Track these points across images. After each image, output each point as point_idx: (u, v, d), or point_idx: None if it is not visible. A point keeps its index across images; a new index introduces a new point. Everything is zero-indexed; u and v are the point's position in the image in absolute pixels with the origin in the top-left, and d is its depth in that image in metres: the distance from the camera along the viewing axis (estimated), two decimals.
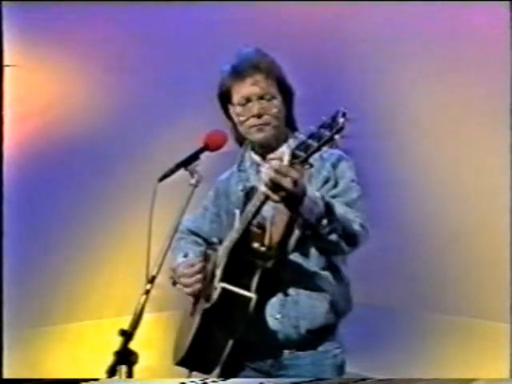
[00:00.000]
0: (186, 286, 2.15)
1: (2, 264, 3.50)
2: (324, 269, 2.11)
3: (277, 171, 1.78)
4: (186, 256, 2.23)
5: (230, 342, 2.05)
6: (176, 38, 4.35)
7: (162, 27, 4.32)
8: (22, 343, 4.00)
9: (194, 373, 2.17)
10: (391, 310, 4.29)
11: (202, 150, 2.01)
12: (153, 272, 1.81)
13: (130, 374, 1.69)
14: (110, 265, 4.44)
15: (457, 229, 4.06)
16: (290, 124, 2.19)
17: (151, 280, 1.79)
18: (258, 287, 2.02)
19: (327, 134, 1.71)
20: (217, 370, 2.12)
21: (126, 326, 1.72)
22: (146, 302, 1.77)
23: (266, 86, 2.10)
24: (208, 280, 2.12)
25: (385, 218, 3.79)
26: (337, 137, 1.70)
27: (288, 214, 2.00)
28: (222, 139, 2.06)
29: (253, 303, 2.00)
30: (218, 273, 2.07)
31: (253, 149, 2.22)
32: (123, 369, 1.69)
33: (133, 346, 1.71)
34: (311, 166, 1.79)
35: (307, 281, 2.10)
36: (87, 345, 4.26)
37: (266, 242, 2.03)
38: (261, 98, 2.10)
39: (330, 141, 1.71)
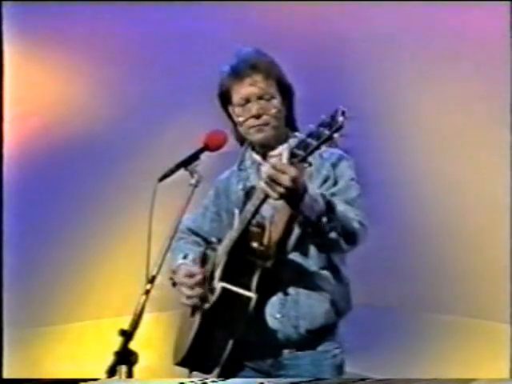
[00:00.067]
0: (186, 296, 2.14)
1: (2, 264, 3.50)
2: (323, 268, 2.12)
3: (274, 168, 1.79)
4: (185, 257, 2.23)
5: (230, 342, 2.05)
6: (176, 38, 4.36)
7: (163, 27, 4.32)
8: (22, 343, 4.00)
9: (195, 373, 2.17)
10: (391, 310, 4.29)
11: (202, 150, 2.01)
12: (153, 272, 1.81)
13: (130, 374, 1.69)
14: (110, 265, 4.44)
15: (457, 229, 4.06)
16: (290, 124, 2.19)
17: (151, 280, 1.79)
18: (257, 287, 2.02)
19: (326, 132, 1.71)
20: (217, 370, 2.12)
21: (125, 326, 1.72)
22: (145, 301, 1.77)
23: (264, 87, 2.10)
24: (208, 280, 2.12)
25: (384, 218, 3.79)
26: (336, 135, 1.70)
27: (287, 213, 2.00)
28: (222, 139, 2.06)
29: (253, 303, 2.00)
30: (218, 272, 2.07)
31: (253, 148, 2.22)
32: (123, 369, 1.69)
33: (133, 346, 1.71)
34: (310, 164, 1.79)
35: (307, 280, 2.10)
36: (87, 345, 4.26)
37: (266, 241, 2.03)
38: (260, 98, 2.10)
39: (329, 139, 1.71)
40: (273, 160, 1.83)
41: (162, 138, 4.28)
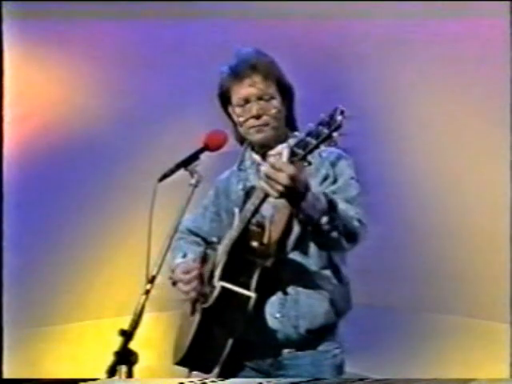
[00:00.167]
0: (183, 292, 2.15)
1: (2, 264, 3.50)
2: (324, 268, 2.12)
3: (273, 166, 1.79)
4: (184, 256, 2.23)
5: (230, 342, 2.05)
6: (176, 38, 4.36)
7: (163, 27, 4.32)
8: (22, 343, 4.00)
9: (194, 372, 2.16)
10: (391, 310, 4.29)
11: (202, 150, 2.01)
12: (153, 272, 1.81)
13: (130, 374, 1.69)
14: (110, 265, 4.45)
15: (457, 229, 4.06)
16: (290, 124, 2.19)
17: (151, 280, 1.79)
18: (257, 286, 2.02)
19: (325, 131, 1.71)
20: (216, 370, 2.12)
21: (125, 326, 1.72)
22: (145, 301, 1.77)
23: (264, 87, 2.10)
24: (207, 279, 2.12)
25: (385, 218, 3.79)
26: (335, 134, 1.70)
27: (287, 212, 2.00)
28: (222, 139, 2.06)
29: (252, 302, 2.00)
30: (218, 272, 2.07)
31: (253, 148, 2.22)
32: (123, 369, 1.69)
33: (133, 346, 1.71)
34: (310, 163, 1.80)
35: (307, 280, 2.10)
36: (87, 345, 4.26)
37: (266, 240, 2.03)
38: (259, 98, 2.10)
39: (328, 138, 1.71)
40: (271, 158, 1.83)
41: (162, 138, 4.28)
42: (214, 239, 2.24)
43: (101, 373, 1.70)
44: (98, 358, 1.94)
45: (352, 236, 1.96)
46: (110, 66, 4.32)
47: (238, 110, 2.13)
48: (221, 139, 2.05)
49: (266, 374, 2.13)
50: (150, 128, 4.35)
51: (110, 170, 4.30)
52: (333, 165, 2.09)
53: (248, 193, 2.10)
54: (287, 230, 2.05)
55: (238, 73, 2.11)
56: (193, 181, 1.95)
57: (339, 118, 1.69)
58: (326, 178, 2.09)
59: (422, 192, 4.21)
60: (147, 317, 1.77)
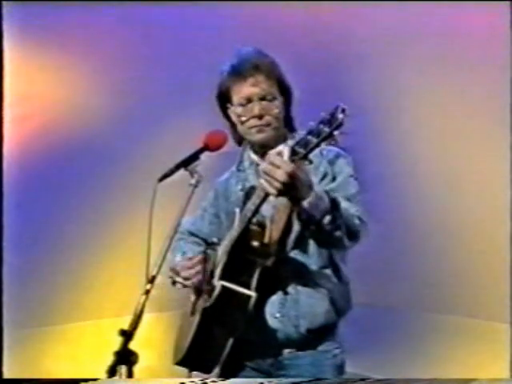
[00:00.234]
0: (186, 278, 2.14)
1: (2, 264, 3.50)
2: (324, 267, 2.11)
3: (271, 164, 1.79)
4: (184, 255, 2.23)
5: (230, 341, 2.05)
6: (176, 38, 4.36)
7: (163, 27, 4.33)
8: (22, 343, 4.00)
9: (194, 373, 2.16)
10: (391, 310, 4.29)
11: (202, 150, 2.01)
12: (153, 272, 1.80)
13: (130, 374, 1.69)
14: (110, 265, 4.45)
15: (457, 229, 4.06)
16: (288, 124, 2.18)
17: (151, 280, 1.79)
18: (257, 285, 2.02)
19: (326, 130, 1.71)
20: (216, 370, 2.12)
21: (125, 326, 1.72)
22: (145, 301, 1.77)
23: (267, 87, 2.09)
24: (208, 279, 2.12)
25: (385, 218, 3.79)
26: (336, 133, 1.70)
27: (287, 211, 2.00)
28: (222, 139, 2.05)
29: (252, 301, 2.00)
30: (218, 271, 2.07)
31: (252, 149, 2.21)
32: (123, 369, 1.69)
33: (133, 346, 1.70)
34: (311, 162, 1.79)
35: (307, 279, 2.10)
36: (87, 345, 4.26)
37: (266, 240, 2.03)
38: (262, 98, 2.09)
39: (329, 137, 1.71)
40: (270, 156, 1.82)
41: (162, 138, 4.28)
42: (215, 239, 2.24)
43: (101, 373, 1.70)
44: (98, 358, 1.94)
45: (353, 234, 1.96)
46: (110, 66, 4.32)
47: (239, 109, 2.12)
48: (221, 139, 2.05)
49: (267, 374, 2.13)
50: (150, 128, 4.35)
51: (110, 170, 4.30)
52: (331, 163, 2.09)
53: (247, 193, 2.09)
54: (287, 229, 2.04)
55: (240, 72, 2.10)
56: (193, 181, 1.95)
57: (340, 116, 1.69)
58: (324, 176, 2.08)
59: (421, 192, 4.21)
60: (147, 317, 1.77)
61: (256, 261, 2.03)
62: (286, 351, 2.12)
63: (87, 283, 4.40)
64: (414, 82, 4.08)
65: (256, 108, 2.08)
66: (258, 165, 2.17)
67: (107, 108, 4.34)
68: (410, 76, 4.08)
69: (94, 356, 3.74)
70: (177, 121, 4.34)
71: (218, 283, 2.03)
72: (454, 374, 3.37)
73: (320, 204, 1.85)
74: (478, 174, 3.92)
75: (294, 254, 2.09)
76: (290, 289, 2.09)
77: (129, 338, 1.70)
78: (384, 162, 4.22)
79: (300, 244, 2.08)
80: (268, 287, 2.06)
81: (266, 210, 2.02)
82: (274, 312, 2.09)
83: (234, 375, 2.15)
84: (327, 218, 1.86)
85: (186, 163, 1.98)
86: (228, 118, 2.19)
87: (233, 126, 2.18)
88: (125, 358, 1.68)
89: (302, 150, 1.76)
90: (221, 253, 2.12)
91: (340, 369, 2.17)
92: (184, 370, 2.17)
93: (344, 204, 1.94)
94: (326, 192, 1.91)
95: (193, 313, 2.15)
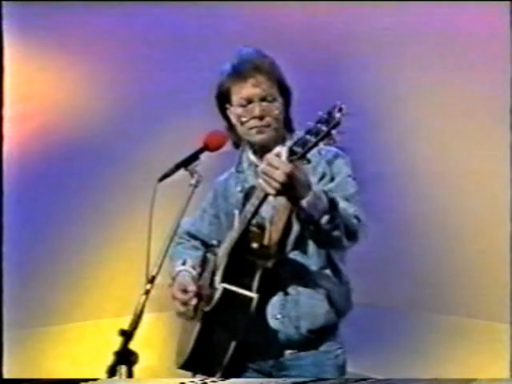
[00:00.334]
0: (179, 312, 2.15)
1: (1, 264, 3.50)
2: (323, 268, 2.11)
3: (269, 164, 1.79)
4: (184, 263, 2.23)
5: (233, 344, 2.05)
6: (176, 38, 4.36)
7: (163, 27, 4.33)
8: (22, 343, 4.00)
9: (197, 375, 2.16)
10: (391, 310, 4.29)
11: (201, 150, 2.01)
12: (153, 272, 1.80)
13: (130, 374, 1.69)
14: (110, 265, 4.45)
15: (457, 229, 4.06)
16: (287, 125, 2.18)
17: (151, 280, 1.79)
18: (258, 287, 2.02)
19: (324, 129, 1.71)
20: (219, 373, 2.11)
21: (125, 326, 1.72)
22: (145, 301, 1.77)
23: (267, 88, 2.09)
24: (208, 283, 2.12)
25: (384, 219, 3.79)
26: (334, 132, 1.70)
27: (287, 212, 2.00)
28: (222, 139, 2.05)
29: (254, 303, 2.00)
30: (219, 274, 2.06)
31: (251, 149, 2.21)
32: (123, 369, 1.69)
33: (133, 346, 1.70)
34: (309, 161, 1.79)
35: (307, 280, 2.09)
36: (87, 345, 4.26)
37: (266, 241, 2.03)
38: (262, 99, 2.09)
39: (326, 136, 1.71)
40: (268, 156, 1.82)
41: (162, 138, 4.28)
42: (214, 242, 2.24)
43: (101, 373, 1.70)
44: (98, 358, 1.93)
45: (352, 234, 1.95)
46: (109, 66, 4.32)
47: (239, 110, 2.12)
48: (221, 139, 2.05)
49: (268, 375, 2.13)
50: (150, 128, 4.35)
51: (110, 170, 4.30)
52: (330, 163, 2.09)
53: (247, 194, 2.09)
54: (287, 230, 2.04)
55: (240, 72, 2.09)
56: (193, 181, 1.95)
57: (338, 115, 1.69)
58: (323, 177, 2.08)
59: (421, 192, 4.21)
60: (147, 317, 1.77)
61: (256, 262, 2.02)
62: (288, 352, 2.11)
63: (87, 283, 4.40)
64: (414, 81, 4.08)
65: (257, 109, 2.08)
66: (256, 166, 2.15)
67: (107, 108, 4.34)
68: (409, 76, 4.08)
69: (94, 356, 3.74)
70: (177, 121, 4.34)
71: (220, 286, 2.03)
72: (454, 374, 3.37)
73: (319, 204, 1.85)
74: (478, 173, 3.92)
75: (294, 255, 2.09)
76: (291, 290, 2.09)
77: (129, 338, 1.70)
78: (384, 162, 4.22)
79: (299, 245, 2.08)
80: (268, 288, 2.06)
81: (265, 211, 2.02)
82: (274, 313, 2.09)
83: (236, 377, 2.14)
84: (326, 218, 1.86)
85: (186, 163, 1.98)
86: (227, 118, 2.19)
87: (231, 126, 2.18)
88: (125, 357, 1.68)
89: (300, 150, 1.76)
90: (221, 255, 2.12)
91: (341, 369, 2.17)
92: (185, 372, 2.18)
93: (342, 204, 1.94)
94: (325, 192, 1.91)
95: (194, 316, 2.14)
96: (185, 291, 2.12)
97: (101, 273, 4.44)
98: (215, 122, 2.18)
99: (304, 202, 1.84)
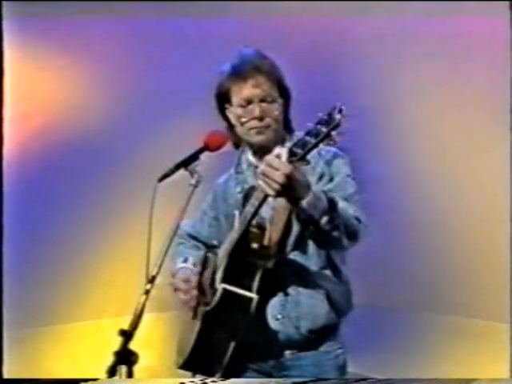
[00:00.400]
0: (182, 301, 2.16)
1: (2, 264, 3.50)
2: (324, 268, 2.11)
3: (269, 165, 1.79)
4: (185, 261, 2.23)
5: (232, 344, 2.05)
6: (176, 38, 4.36)
7: (163, 27, 4.32)
8: (22, 343, 4.00)
9: (197, 375, 2.16)
10: (391, 310, 4.29)
11: (201, 150, 2.01)
12: (153, 272, 1.80)
13: (130, 374, 1.69)
14: (110, 265, 4.45)
15: (457, 229, 4.06)
16: (286, 126, 2.18)
17: (151, 280, 1.79)
18: (259, 287, 2.02)
19: (324, 130, 1.71)
20: (219, 373, 2.11)
21: (125, 326, 1.72)
22: (145, 302, 1.77)
23: (267, 89, 2.08)
24: (209, 283, 2.12)
25: (385, 219, 3.79)
26: (334, 133, 1.70)
27: (286, 213, 2.00)
28: (222, 139, 2.05)
29: (254, 303, 2.00)
30: (219, 274, 2.06)
31: (250, 150, 2.21)
32: (123, 369, 1.69)
33: (133, 346, 1.70)
34: (308, 162, 1.80)
35: (307, 280, 2.09)
36: (87, 345, 4.26)
37: (266, 242, 2.03)
38: (262, 100, 2.08)
39: (326, 137, 1.71)
40: (268, 157, 1.82)
41: (162, 138, 4.28)
42: (215, 242, 2.24)
43: (101, 373, 1.70)
44: (98, 358, 1.93)
45: (352, 234, 1.95)
46: (110, 65, 4.32)
47: (239, 110, 2.11)
48: (221, 139, 2.05)
49: (269, 375, 2.13)
50: (150, 128, 4.35)
51: (110, 170, 4.30)
52: (328, 163, 2.09)
53: (246, 195, 2.09)
54: (287, 230, 2.04)
55: (240, 73, 2.09)
56: (193, 181, 1.95)
57: (338, 116, 1.69)
58: (321, 177, 2.08)
59: (422, 192, 4.21)
60: (147, 317, 1.77)
61: (257, 263, 2.02)
62: (288, 352, 2.11)
63: (87, 283, 4.40)
64: (414, 81, 4.08)
65: (256, 110, 2.08)
66: (256, 167, 2.15)
67: (107, 108, 4.35)
68: (409, 76, 4.08)
69: (94, 356, 3.74)
70: (177, 121, 4.34)
71: (220, 286, 2.03)
72: (454, 374, 3.37)
73: (318, 204, 1.85)
74: (478, 174, 3.92)
75: (294, 256, 2.09)
76: (291, 290, 2.09)
77: (129, 338, 1.70)
78: (384, 162, 4.22)
79: (299, 245, 2.08)
80: (268, 289, 2.06)
81: (265, 211, 2.02)
82: (275, 313, 2.09)
83: (236, 377, 2.14)
84: (325, 218, 1.86)
85: (186, 163, 1.98)
86: (226, 118, 2.19)
87: (230, 126, 2.18)
88: (125, 357, 1.68)
89: (299, 151, 1.76)
90: (221, 255, 2.12)
91: (342, 369, 2.16)
92: (185, 372, 2.18)
93: (342, 204, 1.94)
94: (324, 192, 1.91)
95: (194, 317, 2.15)
96: (187, 281, 2.13)
97: (101, 273, 4.44)
98: (215, 122, 2.18)
99: (304, 203, 1.84)
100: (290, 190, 1.81)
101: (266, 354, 2.11)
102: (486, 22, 3.65)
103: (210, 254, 2.21)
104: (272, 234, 2.03)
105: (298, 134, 1.80)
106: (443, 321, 4.15)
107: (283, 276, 2.08)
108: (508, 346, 3.41)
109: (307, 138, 1.74)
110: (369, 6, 3.92)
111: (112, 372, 1.68)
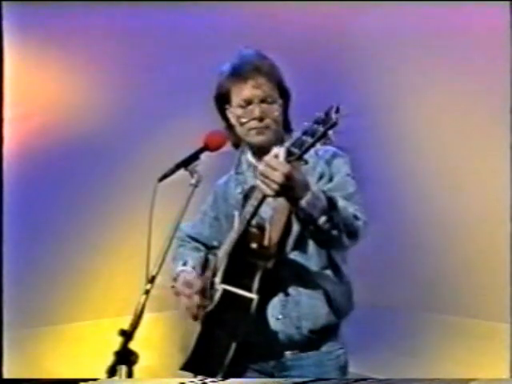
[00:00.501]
0: (185, 307, 2.15)
1: (2, 264, 3.50)
2: (324, 268, 2.11)
3: (268, 165, 1.79)
4: (185, 264, 2.23)
5: (234, 345, 2.04)
6: (176, 38, 4.36)
7: (162, 27, 4.33)
8: (22, 343, 4.00)
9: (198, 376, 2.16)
10: (391, 310, 4.29)
11: (201, 150, 2.01)
12: (153, 272, 1.80)
13: (130, 374, 1.69)
14: (110, 265, 4.44)
15: (457, 229, 4.06)
16: (286, 126, 2.18)
17: (151, 280, 1.79)
18: (259, 288, 2.01)
19: (321, 129, 1.71)
20: (220, 374, 2.11)
21: (126, 326, 1.72)
22: (146, 302, 1.77)
23: (267, 89, 2.09)
24: (209, 284, 2.12)
25: (385, 219, 3.79)
26: (330, 132, 1.70)
27: (286, 213, 2.00)
28: (222, 139, 2.05)
29: (254, 304, 2.00)
30: (219, 275, 2.06)
31: (250, 150, 2.21)
32: (123, 369, 1.69)
33: (133, 346, 1.70)
34: (306, 162, 1.80)
35: (308, 280, 2.09)
36: (87, 345, 4.26)
37: (266, 242, 2.02)
38: (262, 101, 2.09)
39: (323, 136, 1.71)
40: (266, 157, 1.82)
41: (162, 138, 4.28)
42: (215, 243, 2.24)
43: (101, 373, 1.70)
44: (98, 358, 1.93)
45: (352, 233, 1.95)
46: (109, 65, 4.32)
47: (238, 111, 2.11)
48: (221, 139, 2.05)
49: (270, 376, 2.13)
50: (150, 128, 4.35)
51: (110, 170, 4.30)
52: (328, 163, 2.09)
53: (246, 196, 2.09)
54: (287, 230, 2.04)
55: (241, 73, 2.09)
56: (193, 181, 1.95)
57: (334, 115, 1.69)
58: (321, 177, 2.08)
59: (422, 192, 4.21)
60: (147, 317, 1.76)
61: (257, 263, 2.02)
62: (289, 352, 2.11)
63: (87, 283, 4.40)
64: (414, 82, 4.08)
65: (256, 110, 2.08)
66: (256, 167, 2.15)
67: (107, 108, 4.35)
68: (409, 76, 4.08)
69: (94, 356, 3.74)
70: (177, 121, 4.34)
71: (220, 287, 2.03)
72: (454, 374, 3.37)
73: (317, 203, 1.85)
74: (478, 173, 3.92)
75: (294, 256, 2.09)
76: (291, 290, 2.09)
77: (129, 338, 1.70)
78: (384, 162, 4.22)
79: (300, 245, 2.08)
80: (269, 289, 2.06)
81: (264, 211, 2.02)
82: (275, 314, 2.09)
83: (237, 377, 2.14)
84: (325, 217, 1.86)
85: (186, 163, 1.98)
86: (226, 118, 2.19)
87: (230, 127, 2.18)
88: (125, 357, 1.68)
89: (297, 151, 1.76)
90: (221, 256, 2.12)
91: (343, 369, 2.16)
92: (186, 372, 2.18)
93: (342, 203, 1.94)
94: (323, 191, 1.91)
95: (198, 314, 2.14)
96: (190, 286, 2.13)
97: (101, 273, 4.44)
98: (215, 122, 2.18)
99: (303, 202, 1.84)
100: (289, 189, 1.81)
101: (267, 354, 2.11)
102: (487, 21, 3.65)
103: (210, 256, 2.22)
104: (272, 234, 2.03)
105: (296, 133, 1.80)
106: (443, 321, 4.15)
107: (283, 276, 2.08)
108: (508, 346, 3.41)
109: (304, 138, 1.75)
110: (369, 6, 3.92)
111: (112, 372, 1.68)
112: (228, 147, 2.12)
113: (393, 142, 4.28)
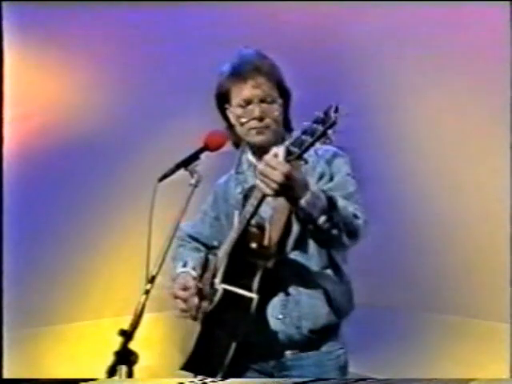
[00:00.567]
0: (181, 310, 2.15)
1: (2, 264, 3.50)
2: (325, 267, 2.11)
3: (267, 165, 1.79)
4: (185, 265, 2.23)
5: (234, 345, 2.04)
6: (176, 38, 4.36)
7: (162, 27, 4.33)
8: (22, 343, 4.00)
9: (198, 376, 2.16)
10: (391, 310, 4.29)
11: (201, 150, 2.01)
12: (153, 272, 1.80)
13: (130, 374, 1.69)
14: (110, 265, 4.44)
15: (456, 229, 4.06)
16: (286, 126, 2.18)
17: (151, 280, 1.79)
18: (259, 287, 2.01)
19: (320, 128, 1.71)
20: (220, 374, 2.11)
21: (126, 326, 1.72)
22: (145, 301, 1.77)
23: (267, 89, 2.09)
24: (209, 284, 2.12)
25: (385, 219, 3.79)
26: (329, 132, 1.70)
27: (286, 212, 2.00)
28: (222, 139, 2.05)
29: (254, 304, 2.00)
30: (219, 275, 2.06)
31: (250, 150, 2.21)
32: (123, 369, 1.69)
33: (133, 346, 1.70)
34: (306, 161, 1.80)
35: (308, 280, 2.09)
36: (87, 345, 4.26)
37: (266, 241, 2.03)
38: (262, 100, 2.09)
39: (322, 136, 1.71)
40: (266, 157, 1.82)
41: (162, 138, 4.28)
42: (215, 243, 2.24)
43: (101, 373, 1.70)
44: (98, 358, 1.93)
45: (352, 232, 1.96)
46: (110, 65, 4.32)
47: (238, 110, 2.12)
48: (221, 139, 2.05)
49: (270, 376, 2.13)
50: (150, 128, 4.35)
51: (110, 170, 4.30)
52: (328, 163, 2.09)
53: (246, 195, 2.09)
54: (287, 230, 2.04)
55: (240, 73, 2.10)
56: (193, 181, 1.95)
57: (334, 115, 1.70)
58: (321, 176, 2.08)
59: (422, 192, 4.21)
60: (147, 317, 1.77)
61: (256, 263, 2.03)
62: (289, 352, 2.11)
63: (87, 283, 4.40)
64: (414, 81, 4.08)
65: (256, 110, 2.08)
66: (256, 167, 2.16)
67: (107, 108, 4.34)
68: (409, 76, 4.08)
69: (94, 356, 3.74)
70: (176, 121, 4.34)
71: (220, 286, 2.03)
72: (454, 374, 3.37)
73: (317, 203, 1.86)
74: (478, 173, 3.92)
75: (294, 255, 2.09)
76: (292, 290, 2.09)
77: (129, 338, 1.70)
78: (384, 162, 4.22)
79: (300, 245, 2.08)
80: (269, 289, 2.06)
81: (264, 211, 2.03)
82: (275, 313, 2.09)
83: (237, 377, 2.14)
84: (325, 217, 1.86)
85: (186, 163, 1.98)
86: (226, 118, 2.19)
87: (230, 126, 2.18)
88: (125, 357, 1.68)
89: (296, 150, 1.77)
90: (221, 256, 2.12)
91: (343, 369, 2.17)
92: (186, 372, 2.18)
93: (342, 202, 1.94)
94: (323, 191, 1.91)
95: (197, 315, 2.14)
96: (186, 289, 2.13)
97: (101, 273, 4.44)
98: (215, 122, 2.18)
99: (303, 201, 1.84)
100: (289, 189, 1.81)
101: (267, 354, 2.12)
102: (487, 21, 3.65)
103: (210, 256, 2.22)
104: (272, 234, 2.03)
105: (296, 132, 1.80)
106: (443, 321, 4.14)
107: (284, 276, 2.08)
108: (508, 346, 3.41)
109: (304, 137, 1.75)
110: (369, 6, 3.92)
111: (112, 372, 1.68)
112: (228, 147, 2.12)
113: (393, 141, 4.27)
